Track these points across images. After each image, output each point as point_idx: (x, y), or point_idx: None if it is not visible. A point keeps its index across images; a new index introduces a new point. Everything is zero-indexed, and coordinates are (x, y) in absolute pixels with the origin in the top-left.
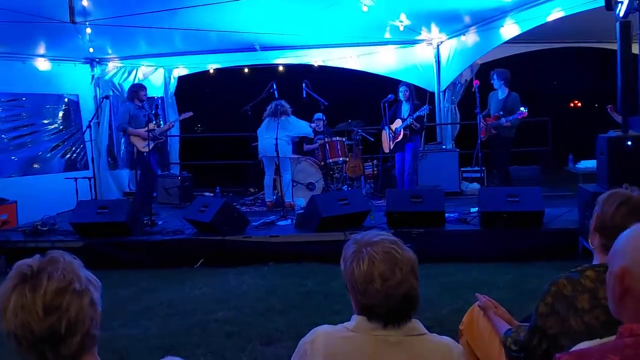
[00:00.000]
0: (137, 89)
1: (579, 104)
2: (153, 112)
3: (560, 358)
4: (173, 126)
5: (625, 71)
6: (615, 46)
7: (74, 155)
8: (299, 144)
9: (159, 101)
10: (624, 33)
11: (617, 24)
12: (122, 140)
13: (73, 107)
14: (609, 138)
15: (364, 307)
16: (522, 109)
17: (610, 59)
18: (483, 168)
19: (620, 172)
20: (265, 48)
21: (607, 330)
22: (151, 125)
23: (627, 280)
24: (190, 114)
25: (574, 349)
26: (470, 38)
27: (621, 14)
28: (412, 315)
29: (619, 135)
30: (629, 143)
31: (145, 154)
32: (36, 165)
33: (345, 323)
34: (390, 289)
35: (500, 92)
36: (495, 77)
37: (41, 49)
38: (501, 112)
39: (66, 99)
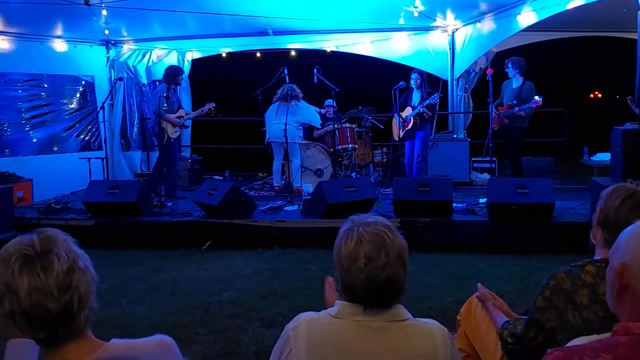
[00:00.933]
0: (176, 72)
1: (599, 95)
2: (165, 94)
3: (552, 353)
4: (203, 114)
5: None
6: (635, 36)
7: (89, 135)
8: (309, 129)
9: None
10: None
11: (639, 13)
12: (136, 122)
13: (89, 88)
14: (624, 130)
15: (346, 286)
16: (536, 97)
17: (632, 48)
18: (494, 158)
19: (636, 165)
20: (278, 32)
21: (605, 326)
22: (181, 112)
23: (626, 277)
24: (214, 104)
25: (569, 344)
26: (486, 25)
27: None
28: (395, 302)
29: (635, 128)
30: None
31: (172, 140)
32: (55, 148)
33: (328, 309)
34: (373, 269)
35: (515, 81)
36: (510, 65)
37: (58, 31)
38: (515, 102)
39: (83, 81)
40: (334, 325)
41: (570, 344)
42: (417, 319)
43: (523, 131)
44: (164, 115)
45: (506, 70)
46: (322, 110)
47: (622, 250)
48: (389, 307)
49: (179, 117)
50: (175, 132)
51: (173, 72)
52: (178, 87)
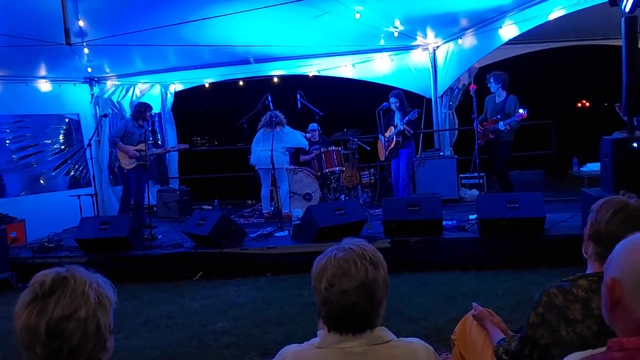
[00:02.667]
0: (144, 109)
1: (587, 104)
2: (150, 128)
3: None
4: (169, 152)
5: (631, 69)
6: (620, 43)
7: (77, 172)
8: (295, 154)
9: (156, 117)
10: (630, 29)
11: (623, 19)
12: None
13: (74, 126)
14: (613, 140)
15: (317, 302)
16: (520, 110)
17: (617, 55)
18: (482, 174)
19: (626, 175)
20: (259, 60)
21: (600, 340)
22: (141, 146)
23: (617, 292)
24: (187, 146)
25: None
26: (468, 41)
27: (627, 9)
28: (365, 328)
29: (624, 137)
30: (635, 145)
31: (126, 170)
32: (42, 182)
33: (311, 340)
34: (332, 294)
35: (498, 95)
36: (492, 80)
37: (42, 71)
38: (499, 116)
39: (67, 119)
40: (319, 356)
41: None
42: (401, 339)
43: (509, 145)
44: (119, 144)
45: (488, 85)
46: (307, 135)
47: (614, 264)
48: (360, 332)
49: (138, 151)
50: (131, 163)
51: (141, 110)
52: (146, 122)
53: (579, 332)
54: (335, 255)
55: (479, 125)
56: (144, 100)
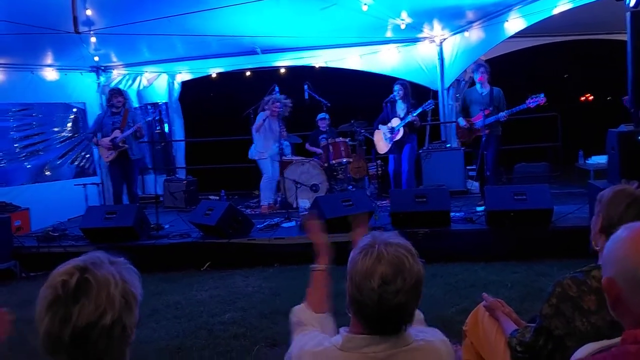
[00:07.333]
0: (110, 95)
1: (591, 98)
2: (157, 117)
3: None
4: (140, 133)
5: (636, 63)
6: (624, 37)
7: (83, 161)
8: (301, 144)
9: (164, 107)
10: (635, 23)
11: (627, 14)
12: None
13: (81, 115)
14: (619, 133)
15: (354, 301)
16: (540, 95)
17: (621, 50)
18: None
19: (633, 167)
20: (266, 51)
21: (615, 330)
22: (116, 133)
23: (615, 291)
24: (140, 124)
25: (576, 352)
26: (474, 34)
27: (631, 4)
28: (401, 329)
29: (631, 130)
30: None
31: (108, 164)
32: (47, 172)
33: (332, 340)
34: (387, 293)
35: (482, 86)
36: (480, 70)
37: (49, 59)
38: (490, 108)
39: (74, 108)
40: (340, 359)
41: (578, 352)
42: (422, 338)
43: (501, 139)
44: (93, 139)
45: (472, 74)
46: (322, 123)
47: (607, 264)
48: (395, 333)
49: (114, 139)
50: (109, 155)
51: (108, 96)
52: (127, 108)
53: (593, 322)
54: (385, 250)
55: (464, 121)
56: (151, 90)
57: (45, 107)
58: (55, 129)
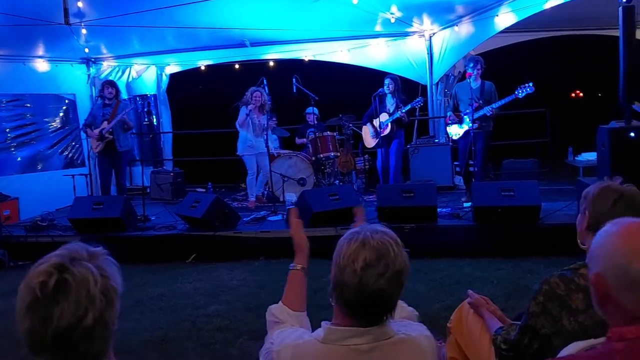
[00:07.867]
0: (102, 87)
1: (581, 94)
2: (146, 109)
3: None
4: (128, 127)
5: (628, 58)
6: (616, 33)
7: (72, 152)
8: (289, 138)
9: (152, 98)
10: (627, 18)
11: (620, 8)
12: None
13: (71, 106)
14: (610, 129)
15: (336, 285)
16: (529, 84)
17: (611, 45)
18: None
19: (623, 164)
20: (255, 44)
21: (603, 329)
22: (105, 124)
23: (603, 287)
24: (125, 113)
25: (562, 351)
26: (464, 28)
27: None
28: (382, 319)
29: (621, 126)
30: (632, 134)
31: (97, 154)
32: (37, 160)
33: (313, 333)
34: (368, 276)
35: (473, 81)
36: (475, 64)
37: (40, 50)
38: (480, 102)
39: (66, 99)
40: (322, 353)
41: (564, 350)
42: (404, 331)
43: (491, 135)
44: (86, 131)
45: (466, 68)
46: (309, 117)
47: (594, 260)
48: (377, 323)
49: (101, 130)
50: (98, 146)
51: (99, 88)
52: (120, 99)
53: (581, 321)
54: (371, 236)
55: (453, 116)
56: (140, 82)
57: (36, 98)
58: (47, 120)
